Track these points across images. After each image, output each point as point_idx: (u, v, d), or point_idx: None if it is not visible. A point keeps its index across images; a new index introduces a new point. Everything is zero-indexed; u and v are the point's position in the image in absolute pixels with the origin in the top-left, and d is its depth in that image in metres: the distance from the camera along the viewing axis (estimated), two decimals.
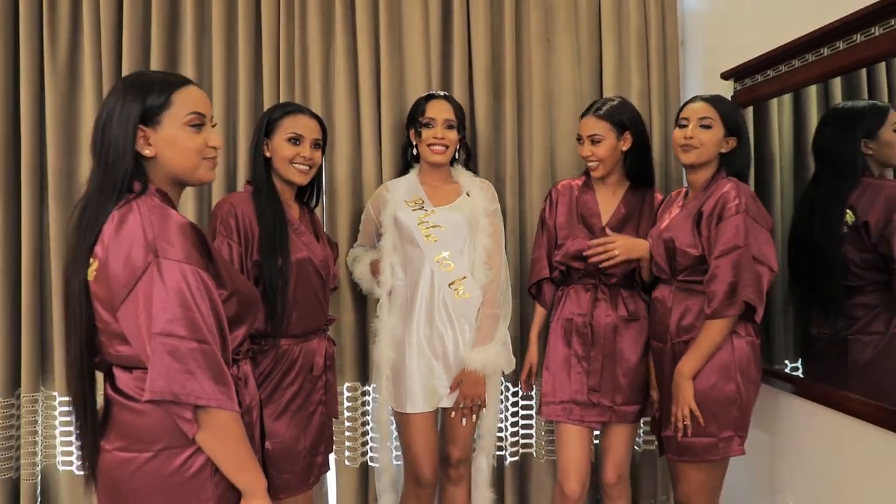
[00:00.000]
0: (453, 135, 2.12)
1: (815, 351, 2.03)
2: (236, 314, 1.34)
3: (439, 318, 2.09)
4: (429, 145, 2.10)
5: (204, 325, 1.19)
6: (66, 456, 2.41)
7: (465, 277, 2.09)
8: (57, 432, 2.40)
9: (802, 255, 2.03)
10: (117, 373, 1.28)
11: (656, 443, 2.16)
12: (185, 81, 1.32)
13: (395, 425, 2.19)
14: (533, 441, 2.49)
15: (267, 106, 2.35)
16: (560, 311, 2.16)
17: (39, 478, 2.39)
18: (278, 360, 1.79)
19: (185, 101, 1.28)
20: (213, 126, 1.35)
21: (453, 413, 2.10)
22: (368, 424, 2.45)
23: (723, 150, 1.94)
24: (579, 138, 2.14)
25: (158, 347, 1.16)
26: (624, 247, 2.04)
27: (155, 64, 2.34)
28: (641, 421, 2.24)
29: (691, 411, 1.84)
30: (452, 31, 2.44)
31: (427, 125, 2.10)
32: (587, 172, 2.20)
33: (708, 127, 1.93)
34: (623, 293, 2.11)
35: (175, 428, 1.22)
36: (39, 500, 2.39)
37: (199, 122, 1.30)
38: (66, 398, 2.37)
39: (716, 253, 1.84)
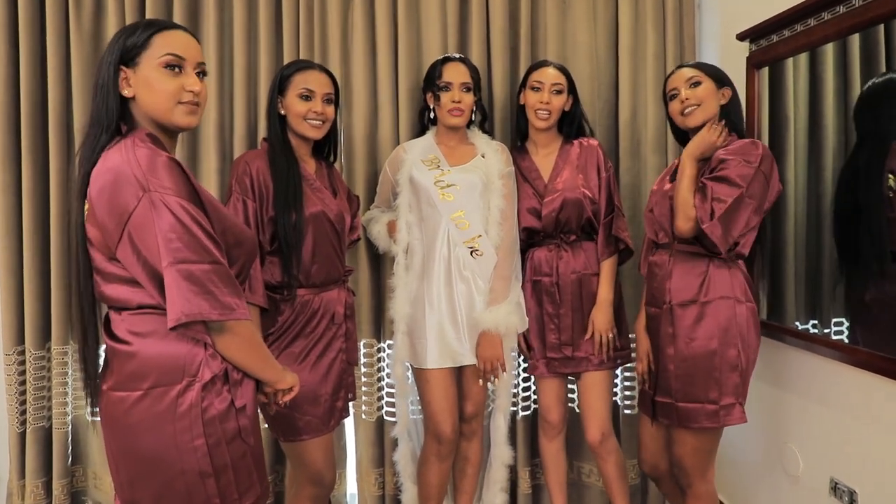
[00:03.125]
0: (470, 98, 2.14)
1: (862, 312, 1.96)
2: (227, 254, 1.36)
3: (456, 276, 2.12)
4: (448, 110, 2.12)
5: (211, 246, 1.24)
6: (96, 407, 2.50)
7: (480, 236, 2.13)
8: None
9: (848, 219, 1.97)
10: (111, 315, 1.34)
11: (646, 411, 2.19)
12: (172, 26, 1.35)
13: (413, 381, 2.24)
14: None
15: None
16: (529, 273, 2.23)
17: (70, 427, 2.48)
18: (300, 310, 1.85)
19: (163, 44, 1.31)
20: (202, 74, 1.37)
21: (480, 381, 2.14)
22: (384, 380, 2.52)
23: (722, 102, 1.94)
24: (534, 87, 2.19)
25: (174, 275, 1.20)
26: (599, 324, 2.16)
27: None
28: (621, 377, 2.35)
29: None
30: None
31: (444, 88, 2.12)
32: (519, 135, 2.32)
33: (698, 83, 1.93)
34: (585, 247, 2.19)
35: (162, 366, 1.27)
36: (70, 447, 2.49)
37: (175, 64, 1.31)
38: None
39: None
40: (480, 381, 2.15)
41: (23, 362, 2.41)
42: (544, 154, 2.26)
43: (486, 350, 2.09)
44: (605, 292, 2.17)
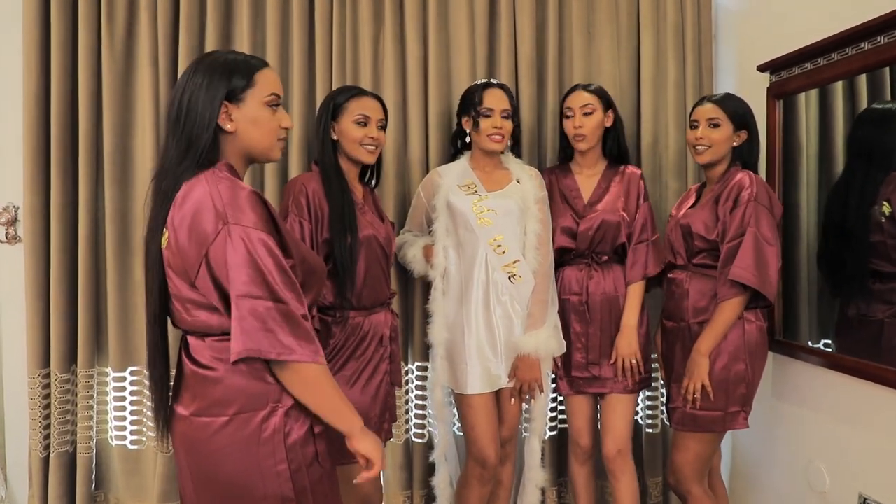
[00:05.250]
0: (509, 124, 2.18)
1: (850, 329, 2.13)
2: (303, 282, 1.39)
3: (494, 301, 2.14)
4: (488, 135, 2.15)
5: (277, 286, 1.24)
6: (119, 431, 2.46)
7: (517, 261, 2.15)
8: (110, 408, 2.46)
9: (837, 242, 2.14)
10: (191, 341, 1.35)
11: (665, 416, 2.30)
12: (265, 63, 1.40)
13: (454, 406, 2.25)
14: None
15: (320, 89, 2.42)
16: (558, 292, 2.26)
17: (94, 452, 2.44)
18: (351, 332, 1.88)
19: (266, 82, 1.36)
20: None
21: (512, 400, 2.16)
22: (412, 402, 2.54)
23: (735, 144, 2.09)
24: (567, 114, 2.25)
25: (240, 309, 1.22)
26: (623, 349, 2.19)
27: (210, 48, 2.39)
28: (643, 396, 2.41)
29: (703, 386, 1.99)
30: (499, 20, 2.52)
31: (485, 115, 2.15)
32: (563, 160, 2.37)
33: (717, 126, 2.08)
34: (615, 269, 2.24)
35: (248, 392, 1.29)
36: (94, 473, 2.45)
37: (277, 103, 1.38)
38: (120, 374, 2.43)
39: (727, 239, 1.98)
40: (512, 401, 2.17)
41: (47, 385, 2.37)
42: (588, 175, 2.30)
43: (525, 373, 2.12)
44: (629, 318, 2.20)
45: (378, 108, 1.98)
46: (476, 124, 2.17)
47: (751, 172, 2.06)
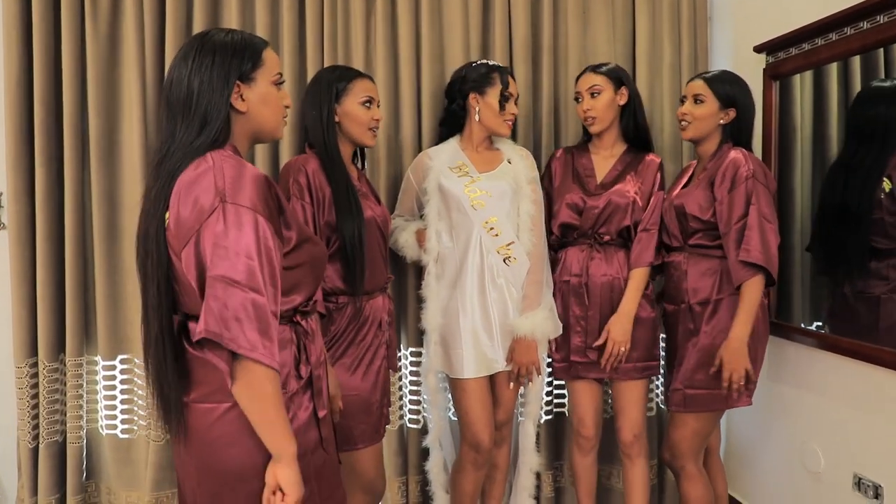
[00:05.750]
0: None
1: (845, 310, 2.14)
2: (307, 268, 1.36)
3: (489, 284, 2.11)
4: (505, 119, 2.13)
5: (260, 276, 1.18)
6: (110, 420, 2.42)
7: (512, 242, 2.13)
8: (100, 397, 2.41)
9: (835, 221, 2.13)
10: (192, 326, 1.27)
11: (661, 400, 2.29)
12: (267, 42, 1.38)
13: (449, 391, 2.23)
14: (566, 401, 2.59)
15: (311, 71, 2.37)
16: (558, 274, 2.24)
17: (85, 441, 2.41)
18: (353, 317, 1.85)
19: (272, 61, 1.35)
20: None
21: (511, 384, 2.15)
22: (406, 388, 2.52)
23: (722, 122, 2.08)
24: (576, 98, 2.23)
25: (215, 289, 1.16)
26: (616, 334, 2.12)
27: (198, 29, 2.33)
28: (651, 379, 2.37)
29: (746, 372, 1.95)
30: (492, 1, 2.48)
31: (508, 98, 2.13)
32: (584, 140, 2.33)
33: (701, 102, 2.07)
34: (619, 253, 2.20)
35: None
36: (85, 463, 2.41)
37: (282, 81, 1.38)
38: (109, 363, 2.39)
39: (734, 219, 1.97)
40: (511, 385, 2.16)
41: (35, 375, 2.32)
42: (605, 156, 2.26)
43: (523, 356, 2.11)
44: (628, 303, 2.14)
45: (376, 89, 1.96)
46: (503, 107, 2.12)
47: (743, 150, 2.04)
